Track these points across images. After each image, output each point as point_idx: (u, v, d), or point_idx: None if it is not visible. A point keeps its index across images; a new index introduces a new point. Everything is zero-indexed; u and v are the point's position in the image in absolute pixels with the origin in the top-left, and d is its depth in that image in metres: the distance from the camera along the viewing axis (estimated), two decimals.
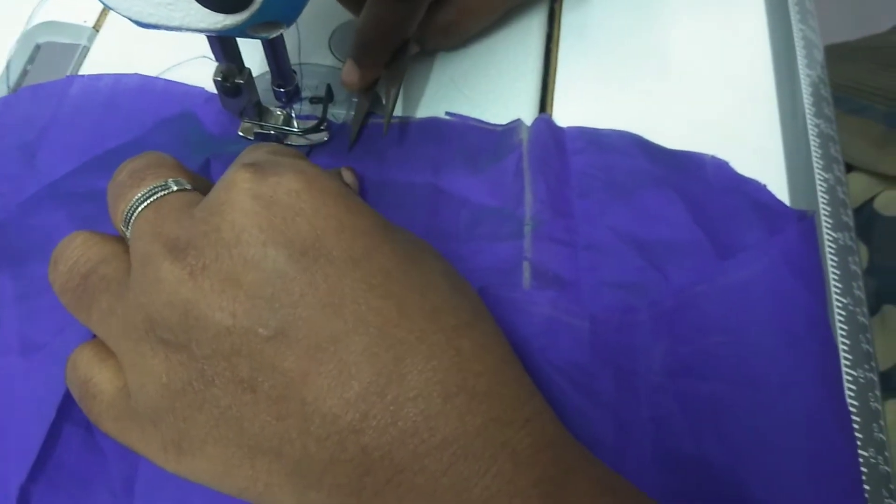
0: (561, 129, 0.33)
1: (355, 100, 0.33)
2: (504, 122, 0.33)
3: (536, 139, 0.32)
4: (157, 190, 0.22)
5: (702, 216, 0.30)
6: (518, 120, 0.33)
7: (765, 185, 0.31)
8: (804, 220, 0.30)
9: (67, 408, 0.26)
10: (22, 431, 0.26)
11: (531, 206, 0.30)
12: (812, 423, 0.26)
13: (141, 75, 0.34)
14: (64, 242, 0.23)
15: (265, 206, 0.20)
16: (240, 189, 0.20)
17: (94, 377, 0.22)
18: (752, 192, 0.31)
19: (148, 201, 0.22)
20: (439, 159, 0.32)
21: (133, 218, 0.22)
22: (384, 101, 0.33)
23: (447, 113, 0.33)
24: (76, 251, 0.23)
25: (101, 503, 0.25)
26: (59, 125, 0.33)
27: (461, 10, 0.33)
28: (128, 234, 0.22)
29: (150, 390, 0.20)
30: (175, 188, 0.23)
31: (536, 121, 0.33)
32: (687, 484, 0.25)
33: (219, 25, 0.22)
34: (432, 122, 0.33)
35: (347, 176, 0.30)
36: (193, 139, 0.32)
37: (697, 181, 0.31)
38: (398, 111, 0.34)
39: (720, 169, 0.32)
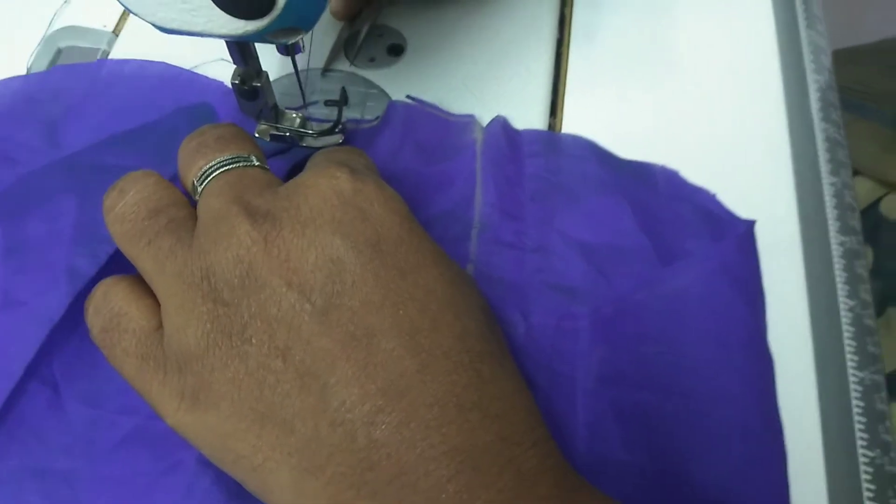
0: (517, 131, 0.33)
1: (370, 104, 0.34)
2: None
3: (490, 140, 0.32)
4: (240, 160, 0.24)
5: (648, 223, 0.30)
6: (472, 116, 0.33)
7: (714, 195, 0.31)
8: (747, 228, 0.30)
9: (36, 366, 0.26)
10: None
11: (480, 208, 0.30)
12: (742, 434, 0.26)
13: (166, 64, 0.35)
14: (136, 175, 0.24)
15: (343, 202, 0.22)
16: (328, 182, 0.22)
17: (129, 311, 0.22)
18: (700, 201, 0.31)
19: (230, 166, 0.24)
20: (393, 145, 0.32)
21: (211, 176, 0.24)
22: (357, 19, 0.36)
23: (407, 96, 0.34)
24: (150, 187, 0.24)
25: (54, 461, 0.25)
26: (84, 104, 0.34)
27: None
28: (199, 188, 0.24)
29: (189, 334, 0.21)
30: (256, 163, 0.25)
31: (492, 121, 0.33)
32: (617, 490, 0.25)
33: (240, 31, 0.23)
34: (389, 108, 0.33)
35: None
36: None
37: (647, 189, 0.31)
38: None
39: (670, 178, 0.32)
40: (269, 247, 0.21)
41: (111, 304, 0.23)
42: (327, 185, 0.22)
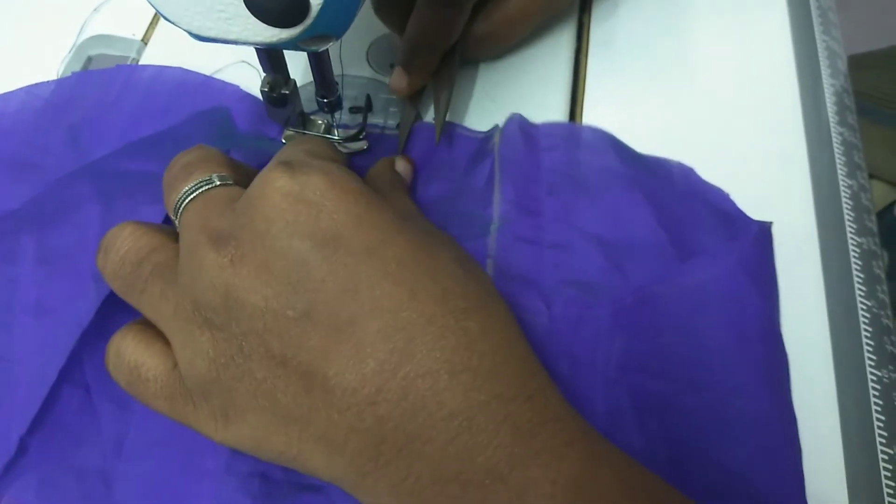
0: (534, 126, 0.33)
1: (393, 109, 0.34)
2: None
3: (507, 140, 0.32)
4: (202, 184, 0.25)
5: (665, 219, 0.30)
6: (496, 126, 0.34)
7: (728, 194, 0.31)
8: (761, 229, 0.30)
9: (69, 370, 0.27)
10: (28, 387, 0.27)
11: (499, 205, 0.31)
12: (757, 424, 0.26)
13: (182, 69, 0.36)
14: (114, 232, 0.25)
15: (292, 202, 0.22)
16: (272, 186, 0.22)
17: (144, 362, 0.24)
18: (715, 200, 0.31)
19: (194, 194, 0.25)
20: (415, 158, 0.33)
21: (182, 209, 0.25)
22: (435, 107, 0.33)
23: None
24: (127, 241, 0.25)
25: (90, 460, 0.26)
26: (104, 110, 0.35)
27: (501, 20, 0.34)
28: (178, 223, 0.25)
29: (198, 365, 0.22)
30: (218, 182, 0.25)
31: (509, 120, 0.33)
32: None
33: (273, 39, 0.24)
34: (420, 127, 0.34)
35: (401, 165, 0.31)
36: (222, 132, 0.34)
37: (664, 185, 0.32)
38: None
39: (686, 175, 0.32)
40: (236, 268, 0.21)
41: (126, 360, 0.24)
42: (272, 190, 0.22)
